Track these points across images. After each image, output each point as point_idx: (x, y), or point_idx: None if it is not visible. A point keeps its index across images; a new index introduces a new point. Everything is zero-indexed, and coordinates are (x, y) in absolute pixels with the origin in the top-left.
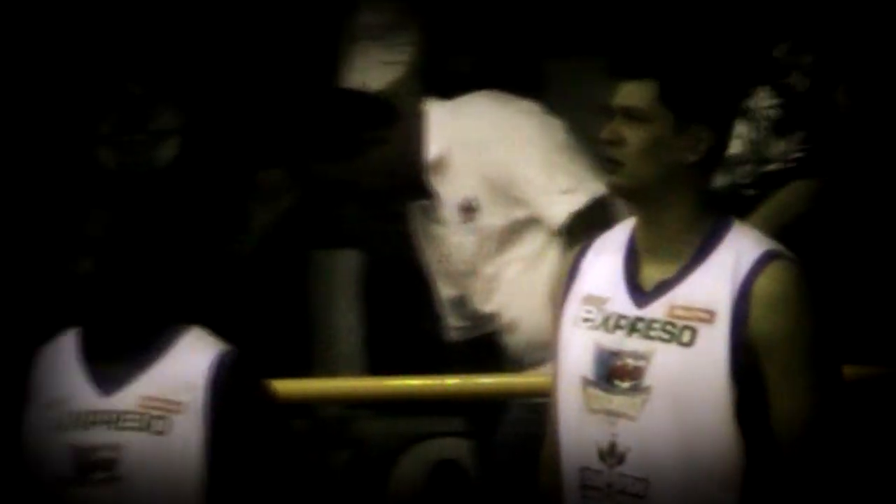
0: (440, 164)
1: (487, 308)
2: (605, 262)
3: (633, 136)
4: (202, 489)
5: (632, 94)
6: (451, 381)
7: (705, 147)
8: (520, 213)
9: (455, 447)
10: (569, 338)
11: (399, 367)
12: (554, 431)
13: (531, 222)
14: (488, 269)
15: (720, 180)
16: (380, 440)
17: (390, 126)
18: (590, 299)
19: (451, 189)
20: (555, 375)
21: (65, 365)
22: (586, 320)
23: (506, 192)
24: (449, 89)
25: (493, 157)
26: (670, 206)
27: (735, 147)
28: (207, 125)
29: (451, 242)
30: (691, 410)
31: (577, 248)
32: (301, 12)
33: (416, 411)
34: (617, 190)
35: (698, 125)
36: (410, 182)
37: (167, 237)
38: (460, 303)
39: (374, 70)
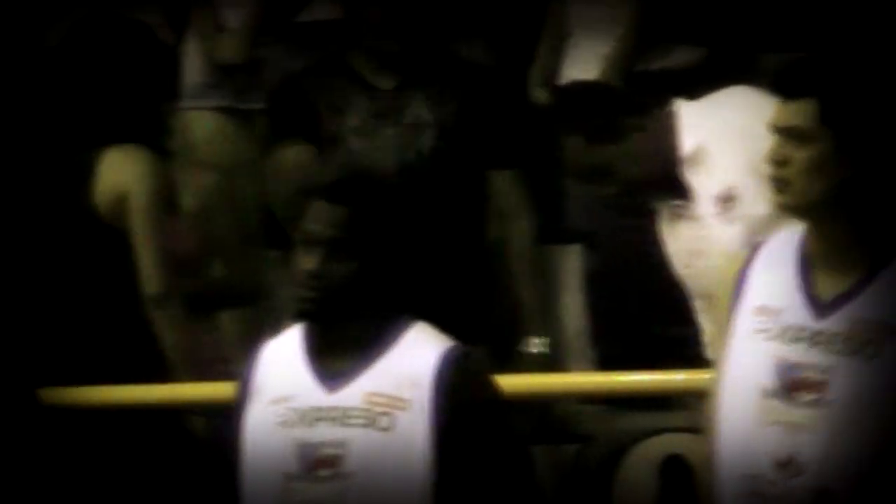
0: (698, 156)
1: None
2: (776, 271)
3: (797, 156)
4: (428, 486)
5: (793, 114)
6: (680, 377)
7: (868, 161)
8: None
9: (683, 442)
10: (742, 348)
11: (629, 363)
12: (710, 436)
13: None
14: None
15: None
16: (608, 435)
17: (646, 116)
18: (763, 310)
19: (709, 180)
20: (718, 382)
21: (289, 361)
22: (761, 331)
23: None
24: (665, 83)
25: (758, 144)
26: (840, 221)
27: None
28: (457, 120)
29: (706, 237)
30: (876, 424)
31: (741, 257)
32: (508, 5)
33: (644, 407)
34: (785, 209)
35: (859, 140)
36: (663, 175)
37: (407, 232)
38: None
39: (587, 63)
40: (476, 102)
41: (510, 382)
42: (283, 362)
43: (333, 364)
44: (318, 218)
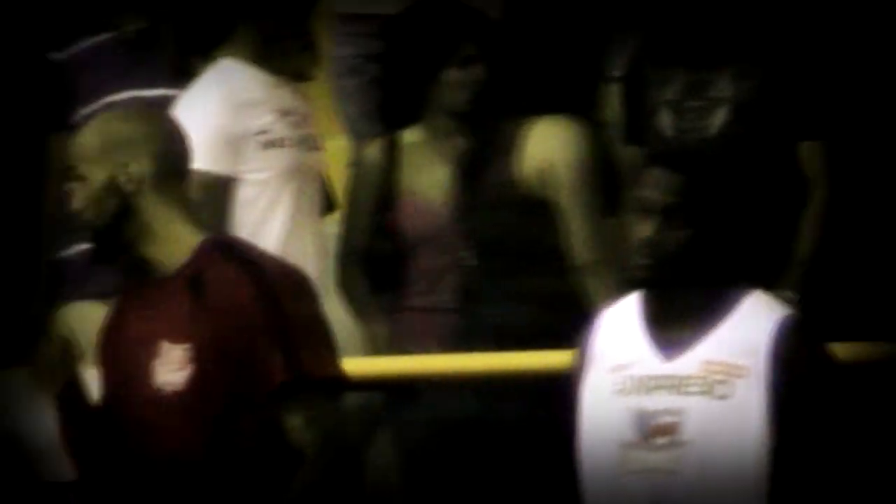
0: None
1: None
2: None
3: None
4: (764, 454)
5: None
6: None
7: None
8: None
9: None
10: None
11: None
12: None
13: None
14: None
15: None
16: None
17: None
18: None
19: None
20: None
21: (628, 329)
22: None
23: None
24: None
25: None
26: None
27: None
28: (758, 96)
29: None
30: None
31: None
32: None
33: None
34: None
35: None
36: None
37: (741, 201)
38: None
39: None
40: (785, 73)
41: (843, 350)
42: (620, 330)
43: (671, 332)
44: (655, 185)
